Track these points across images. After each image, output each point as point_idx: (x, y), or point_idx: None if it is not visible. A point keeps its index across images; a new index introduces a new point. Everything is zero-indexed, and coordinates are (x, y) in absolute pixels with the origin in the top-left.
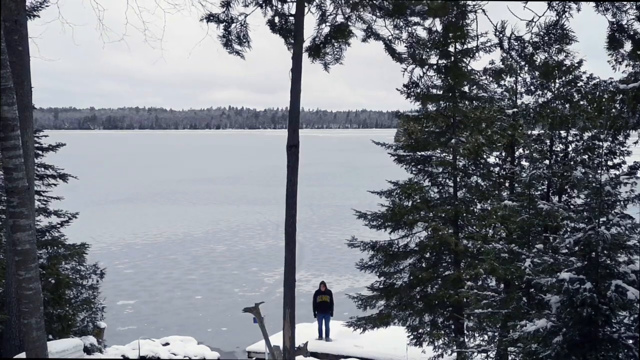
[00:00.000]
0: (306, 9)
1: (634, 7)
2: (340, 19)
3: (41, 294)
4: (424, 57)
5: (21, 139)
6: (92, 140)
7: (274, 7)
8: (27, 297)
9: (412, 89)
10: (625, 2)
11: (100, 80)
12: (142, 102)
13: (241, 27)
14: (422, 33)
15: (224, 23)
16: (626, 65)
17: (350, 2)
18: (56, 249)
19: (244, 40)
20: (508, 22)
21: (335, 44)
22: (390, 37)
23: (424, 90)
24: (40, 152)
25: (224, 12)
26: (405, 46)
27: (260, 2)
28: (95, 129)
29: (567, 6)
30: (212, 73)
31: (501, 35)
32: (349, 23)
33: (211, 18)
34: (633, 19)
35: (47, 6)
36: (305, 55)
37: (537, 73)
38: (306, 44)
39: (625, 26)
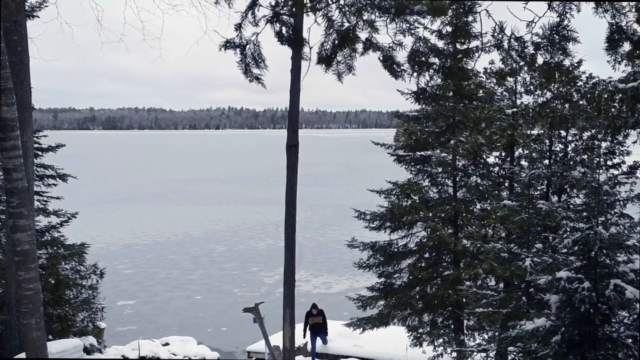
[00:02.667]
0: (312, 18)
1: (634, 9)
2: (346, 23)
3: (41, 294)
4: (428, 61)
5: (20, 140)
6: (92, 140)
7: (283, 20)
8: (27, 298)
9: (422, 94)
10: (624, 4)
11: (99, 80)
12: (141, 102)
13: (254, 47)
14: (427, 36)
15: (240, 47)
16: (625, 65)
17: (355, 6)
18: (56, 249)
19: (260, 60)
20: (507, 23)
21: (346, 51)
22: (391, 45)
23: (432, 94)
24: (39, 153)
25: (237, 35)
26: (408, 54)
27: (270, 19)
28: (94, 129)
29: (567, 7)
30: (211, 73)
31: (500, 36)
32: (357, 28)
33: (228, 45)
34: (632, 20)
35: (46, 6)
36: (304, 55)
37: (537, 74)
38: (315, 49)
39: (625, 27)
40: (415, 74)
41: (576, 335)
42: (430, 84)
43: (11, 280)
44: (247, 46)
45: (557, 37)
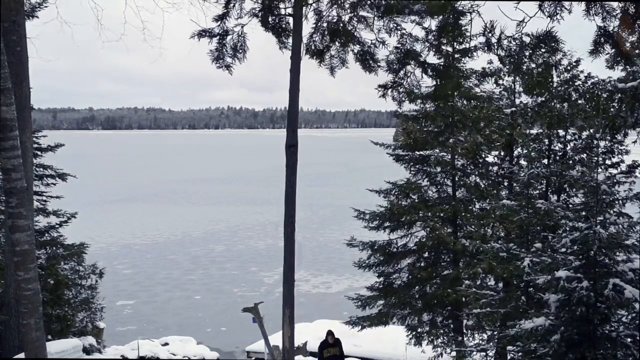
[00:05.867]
0: (304, 11)
1: (621, 14)
2: (334, 16)
3: (40, 294)
4: (414, 58)
5: (19, 140)
6: (91, 140)
7: (271, 11)
8: (26, 298)
9: (394, 88)
10: (614, 5)
11: (99, 80)
12: (141, 102)
13: (238, 37)
14: (417, 32)
15: (218, 37)
16: (624, 64)
17: (349, 2)
18: (55, 249)
19: (240, 51)
20: (498, 23)
21: (339, 46)
22: (374, 42)
23: (409, 89)
24: (39, 153)
25: (218, 25)
26: (395, 47)
27: (256, 12)
28: (93, 129)
29: (558, 8)
30: (210, 73)
31: (490, 34)
32: (349, 24)
33: (203, 34)
34: (620, 26)
35: (45, 7)
36: (304, 55)
37: (526, 81)
38: (308, 45)
39: (611, 32)
40: (392, 70)
41: (575, 335)
42: (409, 79)
43: (10, 281)
44: (229, 36)
45: (543, 46)
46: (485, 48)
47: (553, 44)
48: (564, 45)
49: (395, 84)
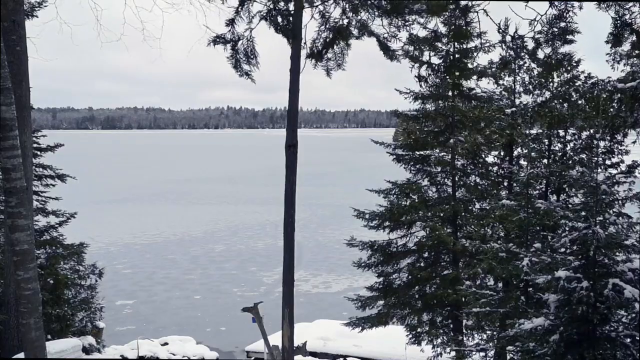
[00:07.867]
0: (308, 12)
1: (637, 5)
2: (338, 18)
3: (40, 294)
4: (421, 55)
5: (19, 139)
6: (91, 140)
7: (280, 12)
8: (26, 297)
9: (423, 80)
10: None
11: (99, 80)
12: (140, 101)
13: (248, 42)
14: (422, 32)
15: (231, 43)
16: (624, 65)
17: (351, 3)
18: (55, 248)
19: (252, 56)
20: (511, 20)
21: (337, 48)
22: (385, 35)
23: (431, 89)
24: (38, 152)
25: (229, 30)
26: (404, 44)
27: (264, 15)
28: (93, 129)
29: (569, 5)
30: (210, 72)
31: (504, 32)
32: (350, 25)
33: (217, 40)
34: (636, 13)
35: (45, 6)
36: (304, 56)
37: (538, 68)
38: (307, 45)
39: (629, 21)
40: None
41: (575, 335)
42: (432, 76)
43: (10, 280)
44: (240, 42)
45: (556, 29)
46: (494, 47)
47: (560, 22)
48: (577, 25)
49: (422, 78)
